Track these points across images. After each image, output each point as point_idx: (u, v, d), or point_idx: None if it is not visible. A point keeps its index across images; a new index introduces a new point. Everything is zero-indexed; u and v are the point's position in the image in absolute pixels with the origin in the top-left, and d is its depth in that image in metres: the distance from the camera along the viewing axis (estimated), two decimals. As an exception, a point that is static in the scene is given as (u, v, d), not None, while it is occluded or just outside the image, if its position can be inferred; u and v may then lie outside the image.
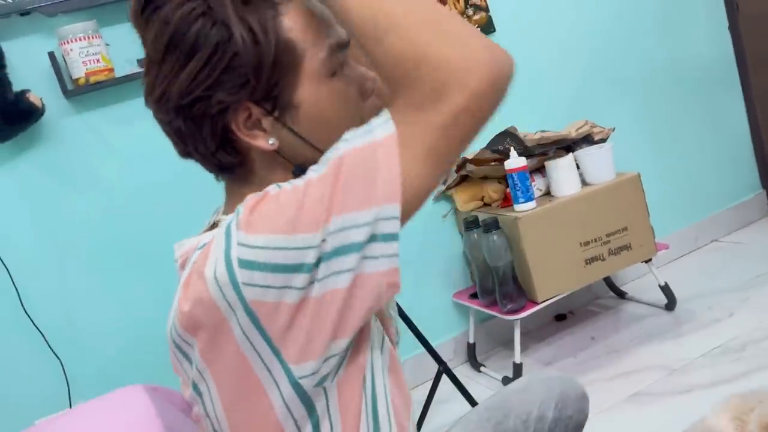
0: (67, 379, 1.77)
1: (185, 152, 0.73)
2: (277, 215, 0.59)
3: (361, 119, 0.67)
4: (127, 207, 1.86)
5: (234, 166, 0.71)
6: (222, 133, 0.68)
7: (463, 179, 2.22)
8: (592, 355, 2.09)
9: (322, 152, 0.65)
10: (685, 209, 2.69)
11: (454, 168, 2.20)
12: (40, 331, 1.75)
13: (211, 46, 0.64)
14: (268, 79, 0.66)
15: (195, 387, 0.69)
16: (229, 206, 0.76)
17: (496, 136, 2.08)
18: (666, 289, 2.24)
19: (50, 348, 1.76)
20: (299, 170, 0.68)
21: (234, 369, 0.64)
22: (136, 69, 1.83)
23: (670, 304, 2.25)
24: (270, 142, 0.68)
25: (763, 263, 2.38)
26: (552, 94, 2.40)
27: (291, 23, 0.66)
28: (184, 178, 1.90)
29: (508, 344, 2.33)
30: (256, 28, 0.64)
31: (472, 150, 2.15)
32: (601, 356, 2.07)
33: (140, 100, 1.85)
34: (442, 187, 2.25)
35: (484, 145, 2.11)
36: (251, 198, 0.61)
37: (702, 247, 2.71)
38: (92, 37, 1.71)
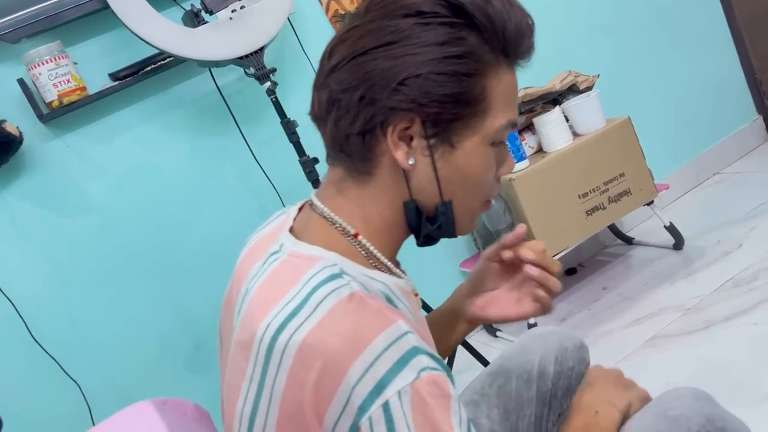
0: (86, 400, 1.78)
1: (320, 116, 0.72)
2: None
3: (485, 193, 0.74)
4: (121, 222, 1.85)
5: (358, 158, 0.70)
6: (373, 124, 0.67)
7: (454, 148, 2.19)
8: (606, 305, 2.08)
9: (441, 200, 0.70)
10: (682, 146, 2.65)
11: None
12: (53, 358, 1.75)
13: (448, 50, 0.65)
14: (452, 112, 0.67)
15: (257, 395, 0.65)
16: (327, 191, 0.74)
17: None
18: (672, 229, 2.22)
19: (65, 372, 1.76)
20: (411, 204, 0.70)
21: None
22: (109, 84, 1.81)
23: (678, 244, 2.23)
24: (410, 161, 0.68)
25: (767, 190, 2.35)
26: (532, 49, 2.36)
27: (499, 81, 0.69)
28: (174, 187, 1.89)
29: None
30: (474, 64, 0.66)
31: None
32: (615, 305, 2.06)
33: (118, 115, 1.84)
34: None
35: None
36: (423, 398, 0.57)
37: (704, 181, 2.68)
38: (59, 58, 1.69)
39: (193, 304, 1.93)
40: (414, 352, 0.58)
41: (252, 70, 1.72)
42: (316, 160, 1.77)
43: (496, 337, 2.20)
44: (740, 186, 2.52)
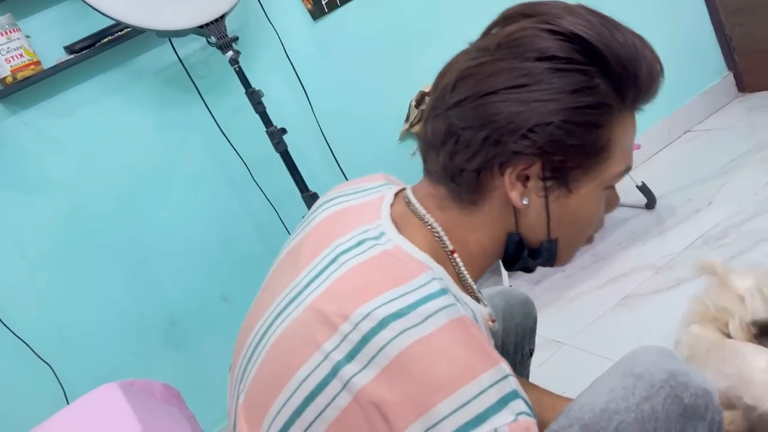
0: (60, 382, 1.76)
1: (432, 144, 0.71)
2: None
3: (590, 232, 0.76)
4: (86, 200, 1.81)
5: (468, 190, 0.70)
6: (492, 163, 0.67)
7: (425, 113, 2.17)
8: (580, 266, 2.09)
9: (548, 239, 0.71)
10: (653, 105, 2.64)
11: (414, 104, 2.15)
12: (22, 341, 1.73)
13: (587, 107, 0.65)
14: (575, 161, 0.67)
15: (329, 374, 0.64)
16: (427, 201, 0.73)
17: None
18: (644, 189, 2.23)
19: (37, 355, 1.74)
20: (515, 237, 0.71)
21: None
22: (65, 57, 1.74)
23: (650, 203, 2.24)
24: (524, 200, 0.68)
25: (737, 146, 2.37)
26: (496, 14, 2.32)
27: (624, 129, 0.69)
28: (139, 162, 1.85)
29: (496, 270, 2.33)
30: (605, 115, 0.67)
31: (428, 82, 2.09)
32: (589, 266, 2.07)
33: (77, 89, 1.78)
34: (405, 126, 2.20)
35: (439, 74, 2.05)
36: None
37: (676, 140, 2.69)
38: (10, 32, 1.62)
39: (165, 280, 1.91)
40: (514, 395, 0.59)
41: (213, 39, 1.66)
42: (283, 131, 1.73)
43: (473, 301, 2.21)
44: (711, 143, 2.53)
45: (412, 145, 2.24)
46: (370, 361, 0.60)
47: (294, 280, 0.71)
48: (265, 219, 1.99)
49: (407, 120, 2.20)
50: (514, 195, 0.68)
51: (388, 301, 0.62)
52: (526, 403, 0.61)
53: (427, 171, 0.74)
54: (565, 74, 0.65)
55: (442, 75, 0.72)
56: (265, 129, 1.73)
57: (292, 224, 1.96)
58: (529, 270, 0.78)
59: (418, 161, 2.38)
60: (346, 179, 2.07)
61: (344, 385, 0.60)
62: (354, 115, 2.13)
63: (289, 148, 1.75)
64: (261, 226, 2.01)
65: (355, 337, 0.61)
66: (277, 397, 0.65)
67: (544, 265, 0.77)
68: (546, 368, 1.67)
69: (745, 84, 2.76)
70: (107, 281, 1.84)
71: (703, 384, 0.80)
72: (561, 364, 1.67)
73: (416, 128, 2.18)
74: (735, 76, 2.78)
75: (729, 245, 1.82)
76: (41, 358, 1.75)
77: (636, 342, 1.60)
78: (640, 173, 2.44)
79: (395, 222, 0.72)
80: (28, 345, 1.73)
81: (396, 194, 0.78)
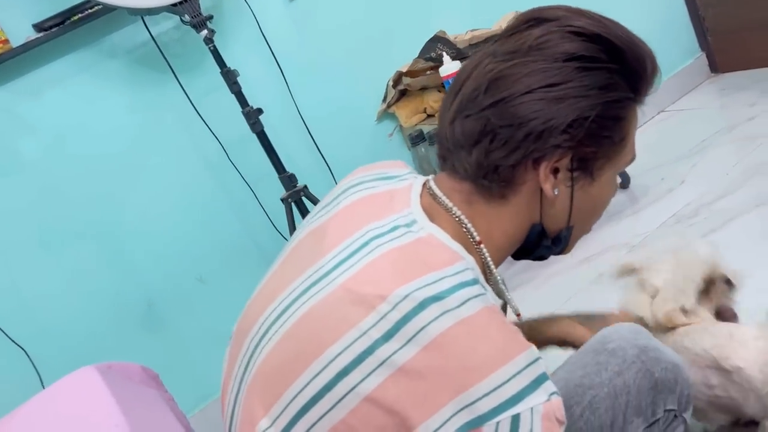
0: (34, 366, 1.74)
1: (462, 144, 0.73)
2: None
3: (599, 217, 0.83)
4: (59, 181, 1.78)
5: (499, 185, 0.73)
6: (529, 158, 0.71)
7: (403, 94, 2.16)
8: (555, 246, 2.12)
9: (567, 225, 0.77)
10: (628, 85, 2.67)
11: (392, 84, 2.14)
12: (-5, 325, 1.71)
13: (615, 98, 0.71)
14: (605, 151, 0.73)
15: (364, 352, 0.64)
16: (453, 196, 0.76)
17: (427, 43, 2.02)
18: (618, 169, 2.25)
19: (10, 339, 1.72)
20: (538, 227, 0.76)
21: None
22: (34, 35, 1.70)
23: (624, 182, 2.27)
24: (555, 191, 0.73)
25: (709, 126, 2.40)
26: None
27: (636, 119, 0.76)
28: (112, 142, 1.82)
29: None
30: (628, 108, 0.74)
31: (405, 62, 2.08)
32: (564, 245, 2.10)
33: (48, 68, 1.75)
34: (383, 106, 2.19)
35: (416, 55, 2.04)
36: None
37: (649, 120, 2.72)
38: (-24, 9, 1.58)
39: (141, 262, 1.89)
40: (545, 377, 0.63)
41: (187, 18, 1.64)
42: (259, 111, 1.72)
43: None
44: (684, 123, 2.56)
45: (390, 125, 2.23)
46: (410, 340, 0.62)
47: (318, 261, 0.72)
48: (241, 200, 1.98)
49: (385, 100, 2.19)
50: (547, 187, 0.72)
51: (426, 285, 0.64)
52: (554, 384, 0.65)
53: (451, 169, 0.76)
54: (593, 72, 0.70)
55: (464, 78, 0.75)
56: (241, 109, 1.71)
57: (269, 205, 1.95)
58: (542, 258, 0.83)
59: (394, 141, 2.38)
60: (324, 160, 2.06)
61: (382, 362, 0.62)
62: (331, 95, 2.12)
63: (265, 129, 1.73)
64: (237, 207, 1.99)
65: (395, 316, 0.62)
66: (302, 372, 0.65)
67: (558, 253, 0.81)
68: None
69: (717, 64, 2.80)
70: (82, 263, 1.81)
71: (672, 358, 0.84)
72: (537, 341, 1.70)
73: (393, 108, 2.17)
74: (708, 57, 2.81)
75: (700, 224, 1.85)
76: (15, 342, 1.72)
77: (610, 319, 1.63)
78: (614, 153, 2.46)
79: (425, 211, 0.74)
80: (1, 329, 1.71)
81: (422, 185, 0.80)
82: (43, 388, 1.73)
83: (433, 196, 0.76)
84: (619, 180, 2.26)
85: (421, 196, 0.76)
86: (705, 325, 1.04)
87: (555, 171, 0.72)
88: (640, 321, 1.08)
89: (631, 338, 0.83)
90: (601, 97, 0.70)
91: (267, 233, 1.97)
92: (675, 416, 0.84)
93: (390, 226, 0.71)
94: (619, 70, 0.72)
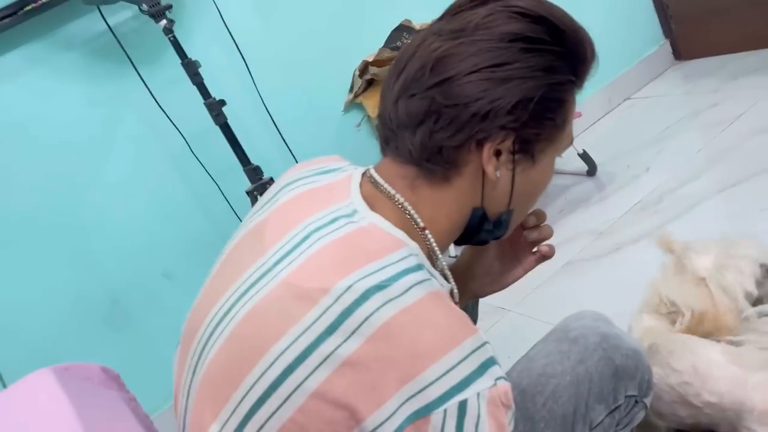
0: (-5, 368, 1.70)
1: (406, 124, 0.72)
2: None
3: (536, 202, 0.82)
4: (15, 179, 1.72)
5: (442, 167, 0.72)
6: (473, 139, 0.70)
7: (370, 83, 2.14)
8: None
9: (507, 208, 0.76)
10: (594, 73, 2.68)
11: (358, 74, 2.12)
12: (-48, 326, 1.65)
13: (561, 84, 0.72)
14: (547, 132, 0.73)
15: (309, 347, 0.63)
16: (396, 182, 0.74)
17: (392, 32, 2.00)
18: (585, 156, 2.27)
19: (-32, 341, 1.67)
20: (480, 211, 0.75)
21: None
22: (-12, 23, 1.64)
23: (591, 170, 2.29)
24: (497, 173, 0.72)
25: (673, 113, 2.43)
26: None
27: (575, 102, 0.76)
28: (71, 138, 1.77)
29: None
30: (570, 90, 0.74)
31: (371, 51, 2.06)
32: (532, 233, 2.11)
33: (9, 56, 1.69)
34: (350, 96, 2.17)
35: (382, 44, 2.02)
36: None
37: (616, 107, 2.74)
38: None
39: (104, 259, 1.85)
40: (492, 361, 0.62)
41: (145, 7, 1.60)
42: (222, 102, 1.69)
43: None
44: (649, 110, 2.59)
45: (357, 115, 2.21)
46: (353, 332, 0.61)
47: (259, 259, 0.71)
48: (206, 193, 1.94)
49: (351, 90, 2.17)
50: (490, 169, 0.71)
51: (369, 274, 0.63)
52: (501, 368, 0.64)
53: (394, 152, 0.75)
54: (538, 54, 0.70)
55: (407, 57, 0.73)
56: (203, 101, 1.67)
57: (234, 198, 1.92)
58: (483, 243, 0.81)
59: (362, 132, 2.36)
60: (290, 151, 2.03)
61: (326, 357, 0.61)
62: (297, 86, 2.09)
63: (229, 121, 1.70)
64: (202, 201, 1.96)
65: (338, 309, 0.61)
66: (249, 372, 0.64)
67: (497, 237, 0.80)
68: (491, 335, 1.69)
69: (681, 51, 2.83)
70: (41, 260, 1.77)
71: (632, 345, 0.85)
72: (506, 330, 1.71)
73: (360, 98, 2.15)
74: (672, 44, 2.85)
75: (665, 210, 1.87)
76: (-27, 344, 1.68)
77: (578, 307, 1.61)
78: (581, 141, 2.48)
79: (366, 200, 0.73)
80: (-42, 331, 1.66)
81: (362, 174, 0.79)
82: (5, 386, 1.68)
83: (375, 184, 0.75)
84: (586, 168, 2.29)
85: (361, 185, 0.75)
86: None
87: (497, 153, 0.72)
88: (699, 316, 1.06)
89: (592, 326, 0.84)
90: (545, 78, 0.70)
91: (233, 227, 1.90)
92: (636, 402, 0.86)
93: (330, 218, 0.70)
94: (562, 53, 0.71)
